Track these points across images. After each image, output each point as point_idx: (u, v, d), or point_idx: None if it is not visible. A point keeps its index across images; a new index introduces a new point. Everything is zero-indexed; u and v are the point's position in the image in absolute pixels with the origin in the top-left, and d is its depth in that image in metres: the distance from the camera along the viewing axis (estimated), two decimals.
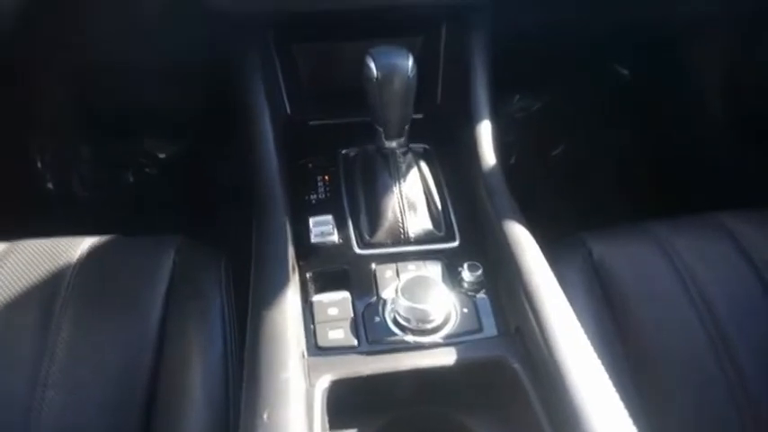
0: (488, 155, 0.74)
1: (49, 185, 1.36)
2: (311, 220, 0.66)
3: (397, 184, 0.68)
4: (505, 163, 1.43)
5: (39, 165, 1.35)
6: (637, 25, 1.14)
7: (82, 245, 0.72)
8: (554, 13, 0.98)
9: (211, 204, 1.28)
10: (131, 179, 1.41)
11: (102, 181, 1.40)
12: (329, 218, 0.66)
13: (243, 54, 0.81)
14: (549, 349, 0.49)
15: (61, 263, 0.70)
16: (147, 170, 1.38)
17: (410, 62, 0.63)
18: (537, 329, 0.51)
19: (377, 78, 0.62)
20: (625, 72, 1.51)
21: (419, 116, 0.81)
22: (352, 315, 0.56)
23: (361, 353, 0.53)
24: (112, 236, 0.74)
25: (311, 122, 0.83)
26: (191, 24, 0.83)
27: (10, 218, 0.81)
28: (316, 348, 0.54)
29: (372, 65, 0.63)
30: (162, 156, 1.37)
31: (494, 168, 0.73)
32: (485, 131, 0.76)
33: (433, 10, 0.81)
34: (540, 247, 0.62)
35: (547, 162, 1.52)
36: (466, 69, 0.80)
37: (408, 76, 0.63)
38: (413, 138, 0.76)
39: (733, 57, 1.29)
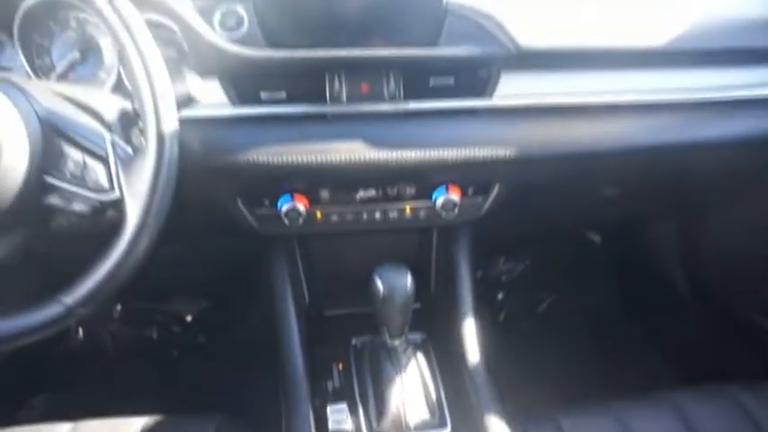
0: (471, 349, 0.90)
1: (80, 340, 1.50)
2: (329, 409, 0.80)
3: (399, 376, 0.84)
4: (495, 319, 1.59)
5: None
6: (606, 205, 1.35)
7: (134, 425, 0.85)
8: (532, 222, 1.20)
9: (235, 370, 1.40)
10: (155, 336, 1.56)
11: (129, 338, 1.54)
12: (344, 407, 0.80)
13: (271, 254, 1.00)
14: None
15: None
16: (172, 328, 1.54)
17: (409, 281, 0.81)
18: None
19: (382, 294, 0.80)
20: (597, 239, 1.72)
21: (416, 306, 0.98)
22: None
23: None
24: (157, 417, 0.87)
25: (326, 313, 1.00)
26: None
27: (43, 371, 0.93)
28: None
29: (379, 282, 0.81)
30: (188, 318, 1.53)
31: (477, 364, 0.88)
32: (468, 324, 0.93)
33: (427, 224, 1.01)
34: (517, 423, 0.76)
35: (532, 318, 1.67)
36: (452, 268, 0.99)
37: (407, 293, 0.80)
38: (412, 327, 0.92)
39: (690, 232, 1.50)
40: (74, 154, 0.62)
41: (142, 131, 0.69)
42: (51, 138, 0.61)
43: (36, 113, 0.61)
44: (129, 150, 0.65)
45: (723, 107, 0.92)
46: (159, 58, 0.65)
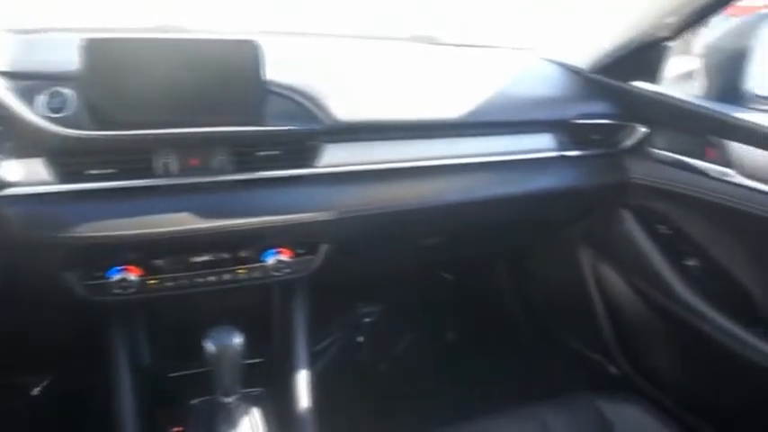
0: (302, 400, 0.96)
1: None
2: None
3: None
4: (355, 362, 1.66)
5: None
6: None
7: None
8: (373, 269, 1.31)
9: None
10: None
11: None
12: None
13: (106, 320, 1.01)
14: None
15: None
16: (15, 404, 1.43)
17: (237, 341, 0.86)
18: None
19: (212, 354, 0.85)
20: (450, 278, 1.88)
21: (259, 360, 1.03)
22: None
23: None
24: None
25: (171, 374, 1.02)
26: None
27: None
28: None
29: (208, 343, 0.85)
30: (34, 392, 1.44)
31: (306, 415, 0.95)
32: (300, 377, 1.00)
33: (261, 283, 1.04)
34: None
35: (390, 358, 1.77)
36: (287, 322, 1.06)
37: (235, 353, 0.85)
38: (253, 381, 0.97)
39: (517, 272, 1.70)
40: None
41: None
42: None
43: None
44: None
45: (511, 167, 1.10)
46: None
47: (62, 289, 0.89)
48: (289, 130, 0.92)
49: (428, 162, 1.02)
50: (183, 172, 0.89)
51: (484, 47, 1.35)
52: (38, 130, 0.79)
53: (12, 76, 0.83)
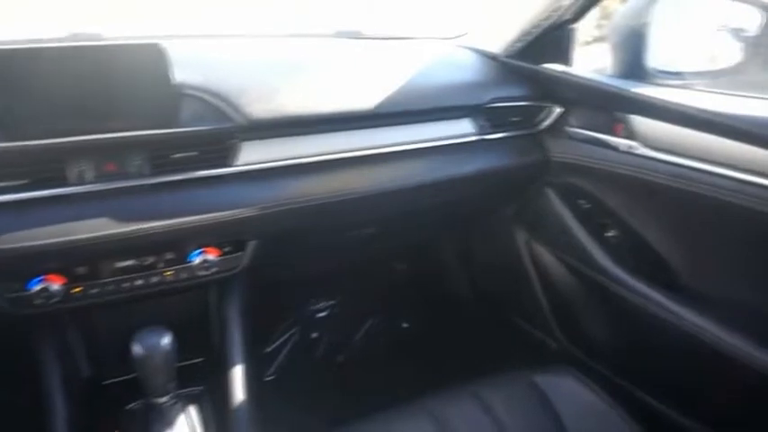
0: (236, 396, 0.98)
1: None
2: None
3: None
4: (311, 358, 1.68)
5: None
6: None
7: None
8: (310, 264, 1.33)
9: None
10: None
11: None
12: None
13: (33, 331, 1.01)
14: None
15: None
16: None
17: (166, 341, 0.87)
18: None
19: (140, 357, 0.86)
20: (402, 266, 1.91)
21: (199, 359, 1.04)
22: None
23: None
24: None
25: (105, 382, 1.02)
26: None
27: None
28: None
29: (136, 346, 0.86)
30: None
31: (241, 407, 0.96)
32: (235, 374, 1.02)
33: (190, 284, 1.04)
34: None
35: (347, 349, 1.79)
36: (222, 320, 1.08)
37: (166, 353, 0.87)
38: (193, 381, 0.98)
39: (463, 253, 1.74)
40: None
41: None
42: None
43: None
44: None
45: (434, 153, 1.13)
46: None
47: None
48: (202, 130, 0.93)
49: (348, 154, 1.05)
50: (100, 178, 0.89)
51: (405, 38, 1.38)
52: None
53: None
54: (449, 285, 1.83)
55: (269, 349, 1.63)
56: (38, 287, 0.89)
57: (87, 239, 0.87)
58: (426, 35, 1.48)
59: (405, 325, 1.86)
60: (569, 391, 1.03)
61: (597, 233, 1.21)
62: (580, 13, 1.12)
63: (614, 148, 1.10)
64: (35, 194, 0.86)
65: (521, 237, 1.42)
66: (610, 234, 1.20)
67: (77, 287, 0.92)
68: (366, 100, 1.05)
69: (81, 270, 0.92)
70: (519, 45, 1.21)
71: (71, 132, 0.85)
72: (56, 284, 0.90)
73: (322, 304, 1.80)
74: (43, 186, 0.86)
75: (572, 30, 1.17)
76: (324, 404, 1.40)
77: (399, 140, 1.10)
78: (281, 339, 1.66)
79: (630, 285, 1.13)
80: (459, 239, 1.72)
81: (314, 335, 1.74)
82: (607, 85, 1.07)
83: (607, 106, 1.11)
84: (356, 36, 1.41)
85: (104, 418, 0.95)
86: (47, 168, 0.87)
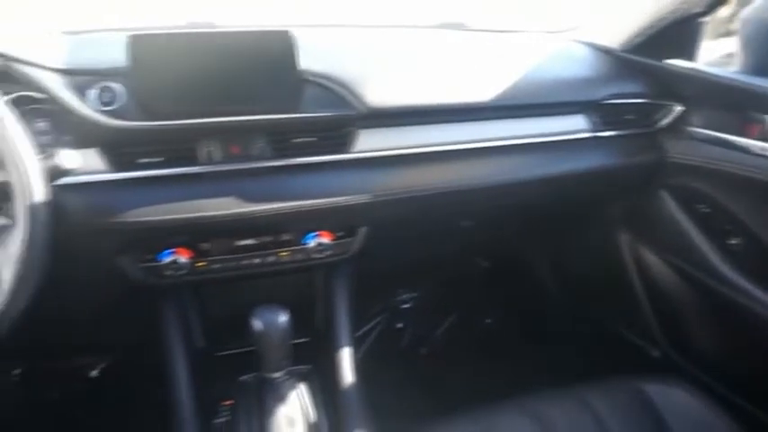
0: (346, 376, 1.00)
1: None
2: None
3: (282, 407, 0.92)
4: (395, 348, 1.70)
5: None
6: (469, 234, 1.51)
7: None
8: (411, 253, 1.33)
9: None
10: (58, 396, 1.54)
11: (30, 401, 1.52)
12: None
13: (159, 302, 1.07)
14: None
15: None
16: (75, 386, 1.53)
17: (283, 319, 0.90)
18: None
19: (259, 333, 0.89)
20: (486, 264, 1.89)
21: (305, 339, 1.07)
22: None
23: None
24: None
25: (217, 353, 1.07)
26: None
27: None
28: None
29: (255, 322, 0.89)
30: (93, 373, 1.53)
31: (350, 389, 0.98)
32: (344, 354, 1.04)
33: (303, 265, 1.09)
34: None
35: (431, 342, 1.80)
36: (330, 303, 1.10)
37: (282, 331, 0.90)
38: (299, 359, 1.01)
39: (554, 255, 1.70)
40: None
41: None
42: None
43: None
44: (2, 222, 0.71)
45: (545, 148, 1.10)
46: (23, 137, 0.72)
47: (117, 273, 0.95)
48: (323, 116, 0.95)
49: (462, 146, 1.04)
50: (226, 159, 0.93)
51: (513, 32, 1.35)
52: (91, 123, 0.85)
53: (65, 72, 0.88)
54: (535, 284, 1.79)
55: (357, 334, 1.65)
56: (168, 259, 0.94)
57: (213, 217, 0.92)
58: (534, 29, 1.44)
59: (488, 321, 1.84)
60: (679, 402, 0.99)
61: (718, 239, 1.14)
62: (713, 5, 1.05)
63: (744, 150, 1.03)
64: (169, 171, 0.91)
65: (625, 239, 1.36)
66: (732, 241, 1.13)
67: (202, 262, 0.97)
68: (481, 92, 1.04)
69: (205, 246, 0.97)
70: (639, 39, 1.16)
71: (202, 114, 0.89)
72: (183, 258, 0.95)
73: (407, 296, 1.81)
74: (176, 164, 0.91)
75: (700, 23, 1.11)
76: (408, 394, 1.41)
77: (511, 134, 1.08)
78: (369, 326, 1.68)
79: (753, 295, 1.06)
80: (551, 238, 1.67)
81: (399, 325, 1.75)
82: (742, 82, 1.00)
83: (739, 105, 1.04)
84: (461, 28, 1.39)
85: (217, 386, 1.00)
86: (180, 147, 0.92)
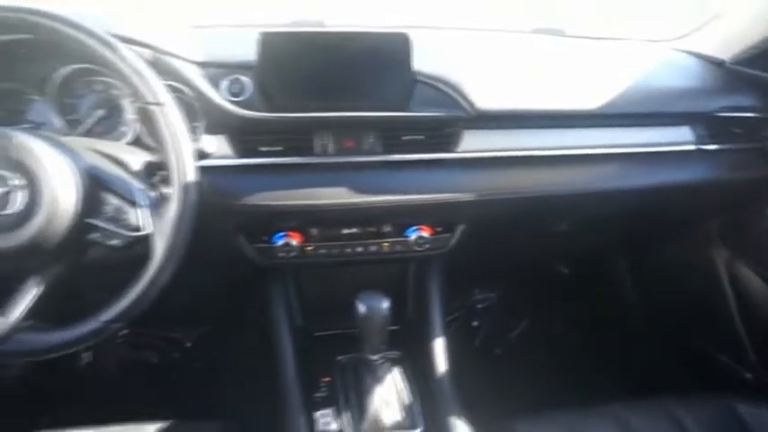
0: (440, 363, 1.05)
1: (85, 363, 1.62)
2: (318, 414, 0.94)
3: (378, 387, 0.98)
4: (470, 344, 1.72)
5: None
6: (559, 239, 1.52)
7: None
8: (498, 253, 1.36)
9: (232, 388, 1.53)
10: (155, 361, 1.68)
11: (131, 361, 1.66)
12: (330, 411, 0.94)
13: (267, 282, 1.15)
14: None
15: None
16: (172, 354, 1.66)
17: (385, 305, 0.96)
18: None
19: (363, 316, 0.95)
20: (565, 271, 1.88)
21: (396, 327, 1.12)
22: None
23: None
24: (163, 424, 0.98)
25: (315, 334, 1.14)
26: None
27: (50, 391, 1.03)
28: None
29: (360, 306, 0.95)
30: (188, 344, 1.66)
31: (444, 376, 1.03)
32: (437, 343, 1.08)
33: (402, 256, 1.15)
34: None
35: (505, 343, 1.81)
36: (424, 294, 1.15)
37: (384, 316, 0.95)
38: (390, 346, 1.06)
39: (638, 266, 1.67)
40: (110, 200, 0.76)
41: (164, 180, 0.84)
42: (92, 187, 0.75)
43: (79, 167, 0.75)
44: (154, 195, 0.80)
45: (648, 158, 1.10)
46: (181, 121, 0.80)
47: (234, 253, 1.04)
48: (433, 116, 0.99)
49: (565, 151, 1.06)
50: (339, 151, 1.00)
51: (611, 39, 1.34)
52: (223, 111, 0.94)
53: (202, 65, 0.97)
54: (613, 295, 1.77)
55: None
56: (281, 242, 1.02)
57: (324, 205, 0.98)
58: (637, 37, 1.43)
59: (562, 328, 1.84)
60: None
61: None
62: None
63: None
64: (286, 160, 0.98)
65: (721, 255, 1.33)
66: None
67: (310, 246, 1.04)
68: (585, 99, 1.05)
69: (314, 231, 1.04)
70: (752, 52, 1.13)
71: (319, 108, 0.96)
72: (294, 241, 1.02)
73: (483, 295, 1.84)
74: (293, 154, 0.98)
75: None
76: (485, 390, 1.43)
77: (615, 142, 1.09)
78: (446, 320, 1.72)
79: None
80: (638, 250, 1.65)
81: (474, 323, 1.78)
82: None
83: None
84: (560, 34, 1.40)
85: (317, 364, 1.07)
86: (298, 138, 0.99)
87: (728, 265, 1.32)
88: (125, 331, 1.64)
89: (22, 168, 0.71)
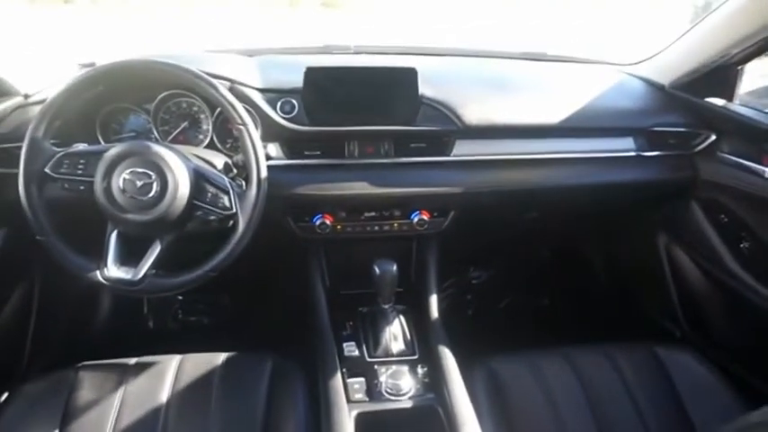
0: (433, 314, 1.40)
1: (148, 317, 1.99)
2: (344, 345, 1.31)
3: (388, 328, 1.33)
4: (464, 314, 2.07)
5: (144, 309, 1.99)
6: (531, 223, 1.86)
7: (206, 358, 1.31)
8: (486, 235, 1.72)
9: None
10: (206, 322, 2.04)
11: (184, 321, 2.03)
12: (353, 343, 1.30)
13: (307, 252, 1.51)
14: None
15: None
16: (221, 315, 2.03)
17: (394, 268, 1.30)
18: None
19: (378, 275, 1.30)
20: (548, 254, 2.23)
21: (401, 289, 1.48)
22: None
23: None
24: (224, 354, 1.30)
25: (342, 292, 1.50)
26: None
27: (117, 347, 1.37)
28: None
29: (376, 268, 1.31)
30: (231, 305, 2.03)
31: (436, 322, 1.38)
32: (432, 300, 1.43)
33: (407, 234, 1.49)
34: (460, 366, 1.25)
35: (494, 313, 2.16)
36: (424, 265, 1.50)
37: (393, 275, 1.30)
38: (397, 301, 1.41)
39: (607, 249, 2.01)
40: (209, 188, 1.11)
41: (239, 174, 1.20)
42: (197, 180, 1.10)
43: (188, 167, 1.10)
44: (237, 185, 1.15)
45: (599, 162, 1.44)
46: (258, 135, 1.15)
47: (283, 229, 1.39)
48: (433, 129, 1.34)
49: (534, 156, 1.39)
50: (362, 155, 1.34)
51: (583, 62, 1.68)
52: (279, 125, 1.28)
53: (262, 90, 1.32)
54: (588, 274, 2.11)
55: None
56: (318, 222, 1.37)
57: (351, 194, 1.33)
58: (602, 60, 1.76)
59: (544, 301, 2.19)
60: (685, 365, 1.29)
61: (732, 243, 1.43)
62: (747, 59, 1.32)
63: (759, 175, 1.32)
64: (324, 161, 1.33)
65: (662, 240, 1.67)
66: (743, 245, 1.42)
67: (339, 225, 1.39)
68: (551, 115, 1.38)
69: (343, 214, 1.39)
70: (686, 79, 1.45)
71: (349, 123, 1.30)
72: (328, 221, 1.37)
73: (477, 273, 2.19)
74: (329, 156, 1.33)
75: (741, 70, 1.37)
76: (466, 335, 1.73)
77: (572, 149, 1.42)
78: (443, 295, 2.07)
79: (756, 289, 1.35)
80: (604, 236, 1.98)
81: (468, 296, 2.13)
82: (760, 122, 1.29)
83: (758, 139, 1.33)
84: (541, 58, 1.74)
85: (342, 313, 1.43)
86: (332, 145, 1.33)
87: (667, 247, 1.65)
88: (180, 297, 2.01)
89: (156, 168, 1.06)
